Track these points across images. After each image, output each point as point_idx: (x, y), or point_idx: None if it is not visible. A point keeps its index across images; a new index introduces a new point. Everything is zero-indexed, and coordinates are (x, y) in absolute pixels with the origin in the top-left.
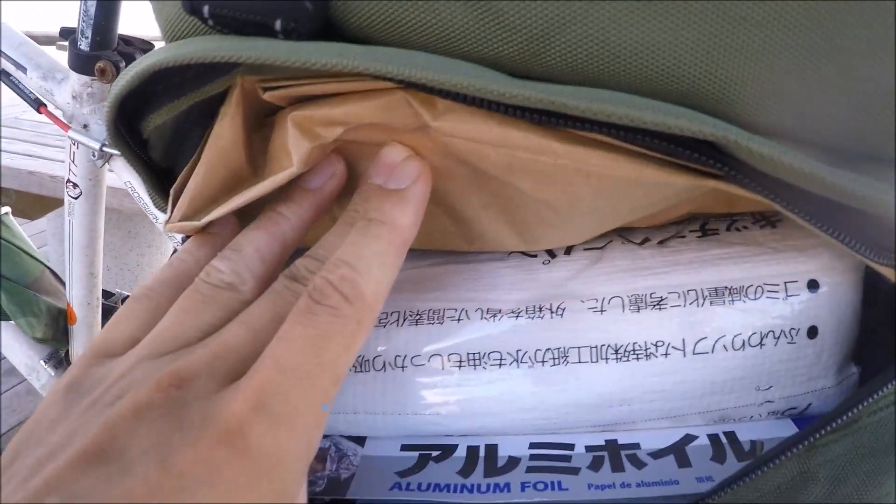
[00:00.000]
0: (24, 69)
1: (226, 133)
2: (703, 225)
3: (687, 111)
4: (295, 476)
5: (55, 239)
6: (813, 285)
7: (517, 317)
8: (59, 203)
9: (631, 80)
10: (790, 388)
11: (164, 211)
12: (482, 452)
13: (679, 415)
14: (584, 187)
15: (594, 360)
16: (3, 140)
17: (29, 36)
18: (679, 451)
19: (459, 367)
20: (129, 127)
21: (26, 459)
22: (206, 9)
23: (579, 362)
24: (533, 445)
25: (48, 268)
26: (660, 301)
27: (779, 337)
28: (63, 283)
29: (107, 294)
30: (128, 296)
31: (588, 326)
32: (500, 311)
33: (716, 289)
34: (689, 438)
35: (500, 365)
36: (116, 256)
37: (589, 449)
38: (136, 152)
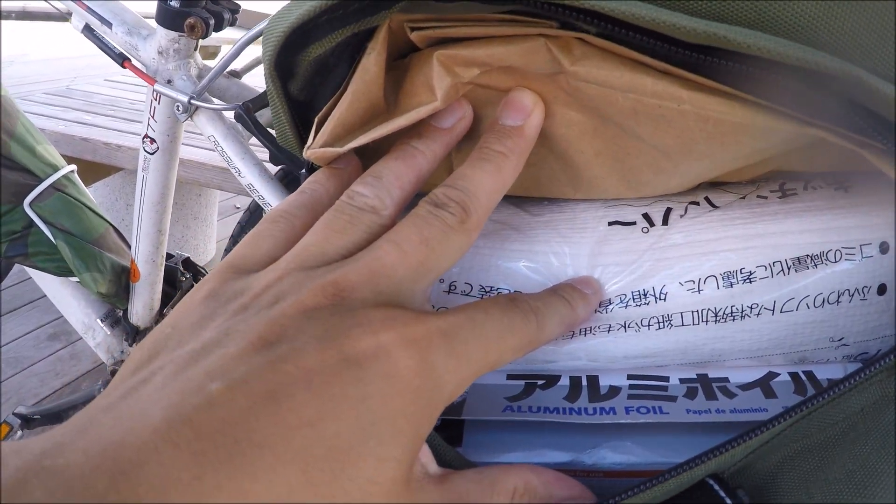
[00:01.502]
0: (109, 24)
1: (372, 68)
2: (781, 185)
3: (819, 52)
4: (451, 398)
5: (102, 207)
6: (885, 248)
7: (626, 306)
8: (110, 171)
9: (765, 29)
10: (860, 335)
11: (285, 148)
12: (584, 382)
13: (763, 356)
14: (699, 132)
15: (695, 322)
16: (55, 108)
17: None
18: (764, 385)
19: (571, 336)
20: (283, 59)
21: (171, 355)
22: None
23: (682, 325)
24: (631, 377)
25: (112, 225)
26: (749, 275)
27: (853, 294)
28: (126, 242)
29: (167, 256)
30: (187, 258)
31: (689, 301)
32: (609, 302)
33: (798, 258)
34: (772, 375)
35: (609, 331)
36: None
37: (683, 381)
38: (283, 84)
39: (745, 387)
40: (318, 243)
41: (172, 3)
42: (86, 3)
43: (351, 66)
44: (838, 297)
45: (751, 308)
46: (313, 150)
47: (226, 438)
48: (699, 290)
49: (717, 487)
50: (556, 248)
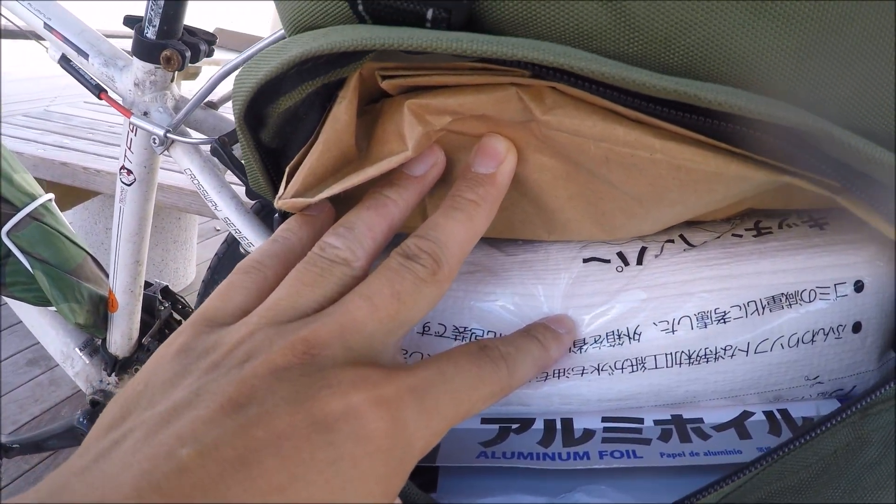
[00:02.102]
0: (85, 55)
1: (342, 116)
2: (756, 223)
3: (793, 108)
4: (423, 453)
5: (81, 231)
6: (859, 286)
7: (600, 346)
8: (89, 195)
9: (737, 81)
10: (835, 373)
11: (258, 192)
12: (559, 425)
13: (738, 396)
14: (672, 181)
15: (669, 365)
16: (34, 131)
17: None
18: (739, 425)
19: (545, 379)
20: (253, 111)
21: (142, 415)
22: None
23: (655, 368)
24: (605, 419)
25: (90, 254)
26: (724, 315)
27: (828, 333)
28: (104, 271)
29: (145, 284)
30: (165, 286)
31: (663, 343)
32: (584, 343)
33: (773, 297)
34: (746, 414)
35: (582, 374)
36: None
37: (657, 423)
38: (253, 134)
39: (720, 427)
40: (290, 297)
41: (148, 35)
42: (62, 33)
43: (322, 114)
44: (812, 336)
45: (724, 350)
46: (284, 200)
47: None
48: (673, 331)
49: None
50: (530, 290)
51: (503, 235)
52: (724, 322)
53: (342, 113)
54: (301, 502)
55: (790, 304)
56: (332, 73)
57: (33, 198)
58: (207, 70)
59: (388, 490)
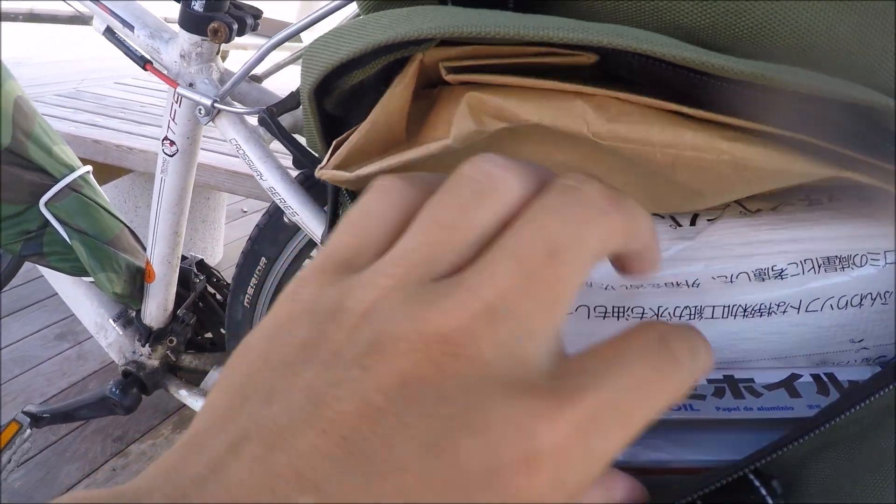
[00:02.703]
0: (131, 27)
1: (396, 100)
2: (808, 195)
3: (858, 86)
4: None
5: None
6: None
7: (658, 287)
8: (121, 172)
9: (803, 53)
10: (880, 339)
11: (304, 163)
12: None
13: (787, 356)
14: (737, 178)
15: (724, 316)
16: (66, 110)
17: None
18: (789, 385)
19: (604, 317)
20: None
21: (258, 415)
22: None
23: (712, 318)
24: None
25: (127, 226)
26: (781, 272)
27: (875, 298)
28: (141, 243)
29: (181, 258)
30: (201, 259)
31: (720, 293)
32: (642, 284)
33: (828, 258)
34: (795, 376)
35: (642, 317)
36: None
37: (710, 381)
38: (319, 103)
39: (770, 387)
40: (424, 246)
41: (196, 8)
42: (107, 5)
43: (381, 92)
44: (861, 300)
45: (778, 305)
46: (325, 171)
47: None
48: (731, 282)
49: (756, 482)
50: None
51: None
52: (782, 278)
53: (396, 97)
54: None
55: (843, 268)
56: (404, 50)
57: (72, 169)
58: (234, 54)
59: None
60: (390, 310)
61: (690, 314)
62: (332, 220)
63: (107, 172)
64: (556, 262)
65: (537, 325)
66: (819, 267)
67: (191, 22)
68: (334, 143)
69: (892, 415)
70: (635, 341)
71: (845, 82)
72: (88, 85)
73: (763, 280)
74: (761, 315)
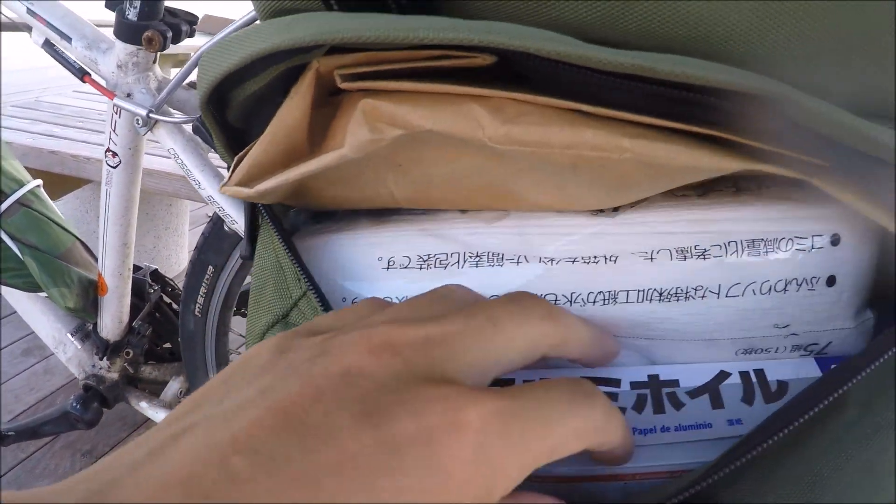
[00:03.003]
0: (68, 39)
1: (293, 113)
2: (735, 182)
3: (746, 72)
4: (504, 493)
5: (73, 220)
6: (835, 240)
7: (573, 262)
8: (79, 183)
9: (694, 44)
10: (809, 325)
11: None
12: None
13: (711, 339)
14: (642, 176)
15: (640, 301)
16: (23, 121)
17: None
18: (713, 390)
19: None
20: (218, 94)
21: (209, 411)
22: None
23: (627, 302)
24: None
25: (79, 239)
26: (704, 252)
27: (801, 284)
28: (93, 256)
29: (135, 268)
30: (155, 269)
31: (637, 272)
32: (558, 257)
33: (752, 241)
34: (723, 376)
35: (555, 302)
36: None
37: (633, 385)
38: (218, 117)
39: (694, 393)
40: (393, 310)
41: (130, 17)
42: (44, 17)
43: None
44: (785, 285)
45: (696, 290)
46: (227, 188)
47: None
48: (651, 259)
49: None
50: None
51: (460, 207)
52: (704, 259)
53: (293, 108)
54: None
55: (767, 252)
56: (294, 58)
57: (21, 184)
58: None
59: None
60: (350, 335)
61: (605, 299)
62: (250, 234)
63: (65, 183)
64: (493, 327)
65: (467, 361)
66: (742, 250)
67: (125, 31)
68: (236, 158)
69: (816, 423)
70: (551, 379)
71: (739, 71)
72: (48, 94)
73: (685, 259)
74: (678, 300)
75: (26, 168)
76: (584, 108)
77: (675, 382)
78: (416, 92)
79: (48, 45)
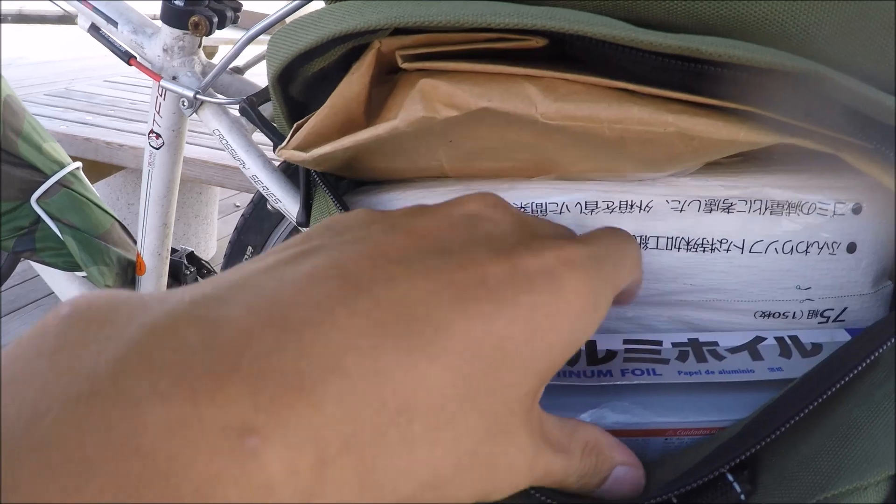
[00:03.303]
0: (114, 23)
1: (353, 88)
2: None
3: (785, 53)
4: (600, 321)
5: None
6: (857, 208)
7: (611, 211)
8: (113, 170)
9: (734, 24)
10: (828, 290)
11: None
12: (583, 347)
13: (731, 299)
14: (685, 149)
15: (668, 248)
16: (57, 109)
17: None
18: (752, 348)
19: None
20: (287, 71)
21: (333, 239)
22: None
23: (657, 248)
24: (627, 342)
25: (118, 220)
26: (729, 206)
27: (822, 248)
28: (132, 237)
29: (172, 250)
30: (191, 252)
31: (668, 220)
32: (596, 205)
33: (777, 202)
34: (759, 339)
35: None
36: None
37: (675, 345)
38: (284, 90)
39: (734, 350)
40: None
41: (177, 2)
42: (91, 3)
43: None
44: (807, 247)
45: (721, 242)
46: (285, 150)
47: (407, 315)
48: (682, 210)
49: (731, 478)
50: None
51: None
52: (728, 212)
53: (353, 84)
54: (500, 335)
55: (790, 213)
56: (360, 39)
57: (62, 165)
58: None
59: (564, 350)
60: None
61: (638, 243)
62: (306, 201)
63: (98, 170)
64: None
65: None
66: (766, 209)
67: (172, 16)
68: (295, 125)
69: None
70: (605, 230)
71: (779, 52)
72: (79, 84)
73: (711, 211)
74: (704, 250)
75: None
76: (631, 87)
77: (715, 343)
78: (472, 72)
79: (94, 30)
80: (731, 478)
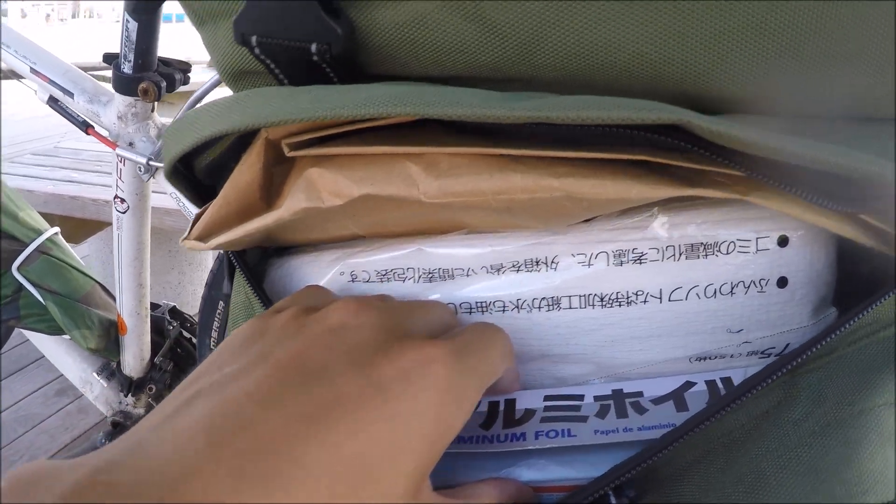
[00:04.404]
0: (71, 94)
1: (244, 177)
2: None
3: (649, 103)
4: (468, 414)
5: (98, 261)
6: (783, 241)
7: (517, 271)
8: (101, 226)
9: (607, 72)
10: (763, 328)
11: None
12: (502, 406)
13: (658, 346)
14: (576, 208)
15: (582, 306)
16: (44, 168)
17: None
18: (678, 396)
19: (470, 313)
20: (184, 162)
21: (213, 377)
22: (253, 39)
23: (570, 308)
24: (547, 398)
25: (98, 283)
26: (640, 256)
27: (749, 286)
28: (113, 297)
29: (154, 306)
30: (173, 307)
31: (577, 277)
32: (502, 266)
33: (692, 245)
34: (688, 385)
35: (504, 311)
36: (158, 274)
37: (597, 398)
38: (187, 178)
39: (658, 400)
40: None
41: (125, 71)
42: (47, 75)
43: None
44: (732, 288)
45: (636, 294)
46: (187, 241)
47: (262, 457)
48: (589, 265)
49: (612, 497)
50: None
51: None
52: (640, 262)
53: (244, 173)
54: (356, 454)
55: (707, 255)
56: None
57: (39, 232)
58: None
59: (432, 448)
60: (336, 303)
61: (549, 305)
62: (230, 272)
63: (87, 227)
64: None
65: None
66: (681, 254)
67: (122, 84)
68: (195, 214)
69: (767, 419)
70: (472, 325)
71: (640, 104)
72: (66, 141)
73: (622, 264)
74: (620, 305)
75: (47, 214)
76: (512, 151)
77: (640, 393)
78: (358, 155)
79: (53, 101)
80: (612, 498)
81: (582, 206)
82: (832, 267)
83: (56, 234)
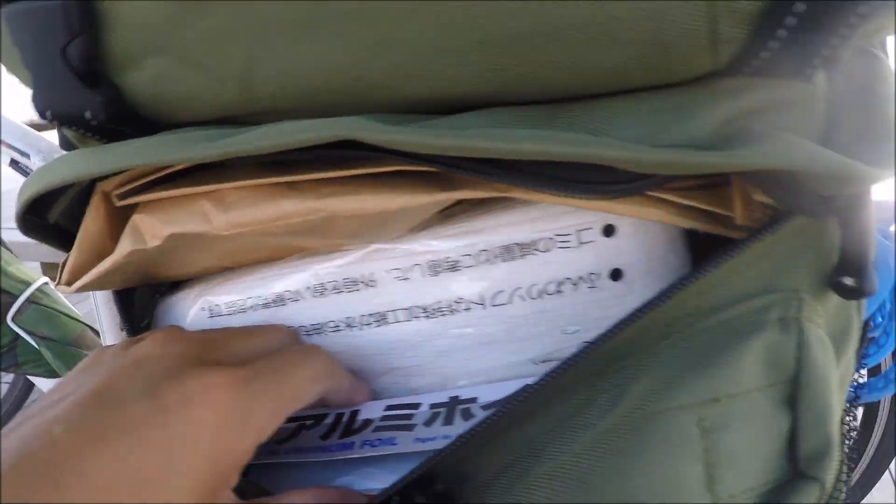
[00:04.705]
0: (27, 155)
1: (91, 227)
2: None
3: (328, 121)
4: (255, 439)
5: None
6: (608, 231)
7: (339, 292)
8: None
9: (316, 96)
10: (602, 325)
11: None
12: (346, 418)
13: (502, 364)
14: (357, 225)
15: (409, 319)
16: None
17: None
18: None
19: (309, 335)
20: (34, 212)
21: (50, 399)
22: (48, 113)
23: (397, 322)
24: (388, 408)
25: (88, 326)
26: (455, 264)
27: (577, 283)
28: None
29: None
30: None
31: (397, 292)
32: (325, 288)
33: (506, 246)
34: (526, 388)
35: (338, 330)
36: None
37: (433, 406)
38: (41, 226)
39: (489, 406)
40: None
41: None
42: (4, 139)
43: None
44: (558, 286)
45: (458, 303)
46: (59, 286)
47: (56, 467)
48: (406, 278)
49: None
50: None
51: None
52: (455, 270)
53: (90, 224)
54: (140, 467)
55: (523, 255)
56: (74, 187)
57: (28, 284)
58: None
59: (215, 466)
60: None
61: (377, 321)
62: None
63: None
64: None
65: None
66: (496, 257)
67: (67, 144)
68: (62, 262)
69: (568, 422)
70: (287, 350)
71: (314, 123)
72: None
73: (437, 273)
74: (444, 314)
75: (44, 263)
76: (284, 179)
77: (473, 399)
78: (168, 198)
79: (14, 164)
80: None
81: (359, 221)
82: (680, 251)
83: (45, 284)
